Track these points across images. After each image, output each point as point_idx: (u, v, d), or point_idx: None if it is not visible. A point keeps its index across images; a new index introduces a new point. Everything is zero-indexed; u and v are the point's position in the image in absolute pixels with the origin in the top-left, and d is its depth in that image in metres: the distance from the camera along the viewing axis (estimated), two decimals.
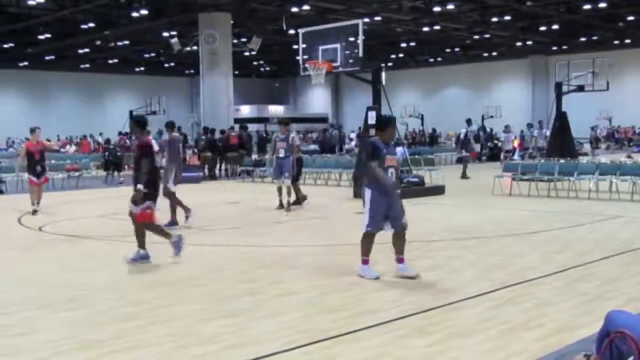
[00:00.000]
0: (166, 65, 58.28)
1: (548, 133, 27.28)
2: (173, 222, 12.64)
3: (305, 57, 17.83)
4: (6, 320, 6.61)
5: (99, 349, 5.62)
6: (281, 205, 15.24)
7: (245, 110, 61.95)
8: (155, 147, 10.29)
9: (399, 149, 22.84)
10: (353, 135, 44.63)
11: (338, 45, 17.15)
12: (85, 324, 6.38)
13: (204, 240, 11.45)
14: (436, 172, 21.91)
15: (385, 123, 8.27)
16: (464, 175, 23.15)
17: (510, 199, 17.03)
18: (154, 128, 30.91)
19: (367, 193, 7.95)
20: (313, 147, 40.26)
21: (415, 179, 18.72)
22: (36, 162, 15.00)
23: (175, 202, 12.88)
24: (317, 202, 16.99)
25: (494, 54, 54.03)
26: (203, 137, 26.29)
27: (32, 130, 15.29)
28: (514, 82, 56.98)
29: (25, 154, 15.24)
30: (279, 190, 15.31)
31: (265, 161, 25.98)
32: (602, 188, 16.80)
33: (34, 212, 14.76)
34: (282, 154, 15.19)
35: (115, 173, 24.68)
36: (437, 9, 35.03)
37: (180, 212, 12.97)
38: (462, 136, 24.94)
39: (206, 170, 25.78)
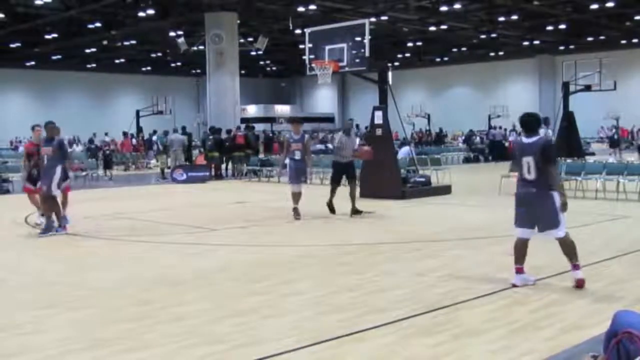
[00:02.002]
0: (173, 65, 58.36)
1: (550, 132, 27.15)
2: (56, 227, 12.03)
3: (312, 56, 17.82)
4: (14, 319, 6.62)
5: (106, 348, 5.63)
6: (297, 214, 13.79)
7: (252, 110, 62.04)
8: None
9: (406, 149, 22.89)
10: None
11: (344, 45, 17.13)
12: (92, 324, 6.40)
13: (210, 240, 11.48)
14: (442, 172, 21.90)
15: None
16: None
17: None
18: (161, 128, 31.08)
19: (556, 196, 7.42)
20: (319, 146, 40.24)
21: (422, 179, 18.70)
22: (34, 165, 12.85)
23: (57, 207, 12.14)
24: (323, 202, 16.99)
25: (501, 53, 53.95)
26: (210, 137, 26.31)
27: (32, 129, 13.36)
28: (521, 82, 56.89)
29: (26, 157, 13.26)
30: (295, 196, 13.86)
31: (272, 161, 26.04)
32: (610, 188, 16.75)
33: (36, 224, 12.93)
34: (297, 155, 13.80)
35: (107, 171, 26.46)
36: (443, 8, 34.99)
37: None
38: None
39: (212, 170, 25.82)
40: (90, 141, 39.54)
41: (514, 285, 7.51)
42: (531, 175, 7.40)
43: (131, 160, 33.87)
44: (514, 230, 7.71)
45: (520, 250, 7.67)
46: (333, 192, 14.22)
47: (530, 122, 7.64)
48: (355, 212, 13.98)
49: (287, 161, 14.20)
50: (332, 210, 14.13)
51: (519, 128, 34.43)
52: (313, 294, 7.39)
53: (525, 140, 7.57)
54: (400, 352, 5.44)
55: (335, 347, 5.61)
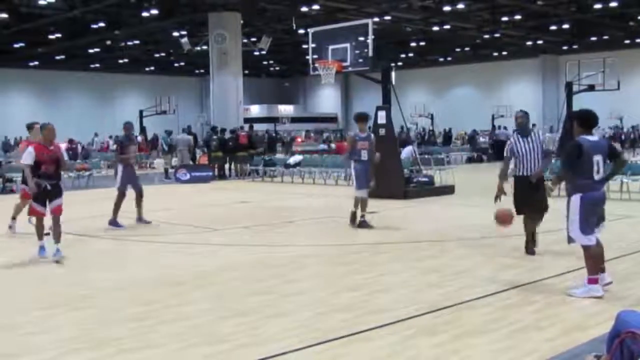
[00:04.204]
0: (176, 65, 58.42)
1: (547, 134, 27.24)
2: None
3: (315, 56, 17.84)
4: (18, 319, 6.64)
5: (109, 348, 5.64)
6: (368, 223, 12.45)
7: (255, 110, 62.06)
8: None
9: (409, 148, 22.90)
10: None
11: (348, 45, 17.14)
12: (96, 323, 6.41)
13: (213, 240, 11.49)
14: (446, 172, 21.90)
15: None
16: None
17: None
18: (165, 128, 31.08)
19: None
20: (322, 146, 40.28)
21: (425, 179, 18.70)
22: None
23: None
24: (326, 201, 17.02)
25: (504, 53, 53.85)
26: (215, 137, 26.35)
27: (30, 127, 12.06)
28: (524, 82, 56.79)
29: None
30: (363, 202, 12.49)
31: (275, 161, 26.06)
32: (613, 188, 16.71)
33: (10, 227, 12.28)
34: (365, 156, 12.38)
35: None
36: (447, 8, 34.93)
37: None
38: None
39: (216, 170, 25.85)
40: (70, 141, 39.39)
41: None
42: (599, 175, 7.13)
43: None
44: (586, 240, 7.15)
45: (601, 256, 7.26)
46: (528, 226, 9.60)
47: (595, 119, 7.32)
48: (530, 247, 9.57)
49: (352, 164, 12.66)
50: (531, 250, 9.59)
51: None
52: (316, 294, 7.40)
53: (591, 138, 7.18)
54: (402, 352, 5.45)
55: (338, 347, 5.61)
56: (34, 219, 10.07)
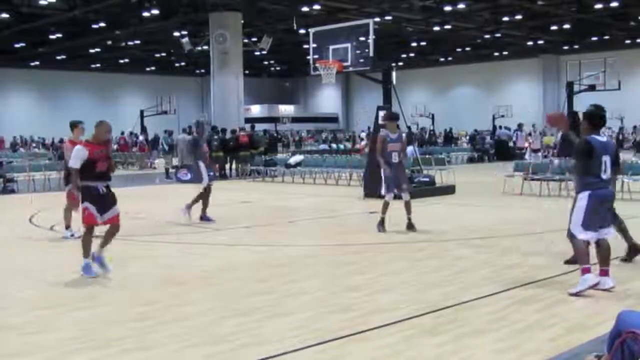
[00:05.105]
0: (177, 65, 58.45)
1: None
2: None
3: (316, 56, 17.86)
4: (20, 318, 6.64)
5: (111, 348, 5.64)
6: (382, 225, 11.87)
7: (256, 110, 62.12)
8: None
9: (409, 148, 22.90)
10: (363, 135, 44.65)
11: (349, 45, 17.16)
12: (97, 323, 6.40)
13: (214, 240, 11.49)
14: (447, 172, 21.90)
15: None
16: None
17: (521, 199, 16.98)
18: (166, 128, 31.07)
19: None
20: (323, 146, 40.33)
21: (426, 179, 18.70)
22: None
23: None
24: (328, 201, 17.02)
25: (505, 53, 53.90)
26: (215, 137, 26.34)
27: (75, 126, 10.82)
28: (524, 82, 56.84)
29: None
30: (385, 205, 11.91)
31: (276, 161, 26.06)
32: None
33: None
34: (396, 158, 11.71)
35: None
36: (448, 8, 34.97)
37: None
38: None
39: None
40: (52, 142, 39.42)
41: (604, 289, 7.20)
42: (607, 175, 7.24)
43: (135, 160, 33.95)
44: (582, 234, 7.29)
45: (586, 251, 7.32)
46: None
47: (603, 119, 7.40)
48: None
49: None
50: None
51: (529, 128, 34.41)
52: (317, 294, 7.39)
53: (600, 139, 7.31)
54: (404, 352, 5.44)
55: (338, 347, 5.60)
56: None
